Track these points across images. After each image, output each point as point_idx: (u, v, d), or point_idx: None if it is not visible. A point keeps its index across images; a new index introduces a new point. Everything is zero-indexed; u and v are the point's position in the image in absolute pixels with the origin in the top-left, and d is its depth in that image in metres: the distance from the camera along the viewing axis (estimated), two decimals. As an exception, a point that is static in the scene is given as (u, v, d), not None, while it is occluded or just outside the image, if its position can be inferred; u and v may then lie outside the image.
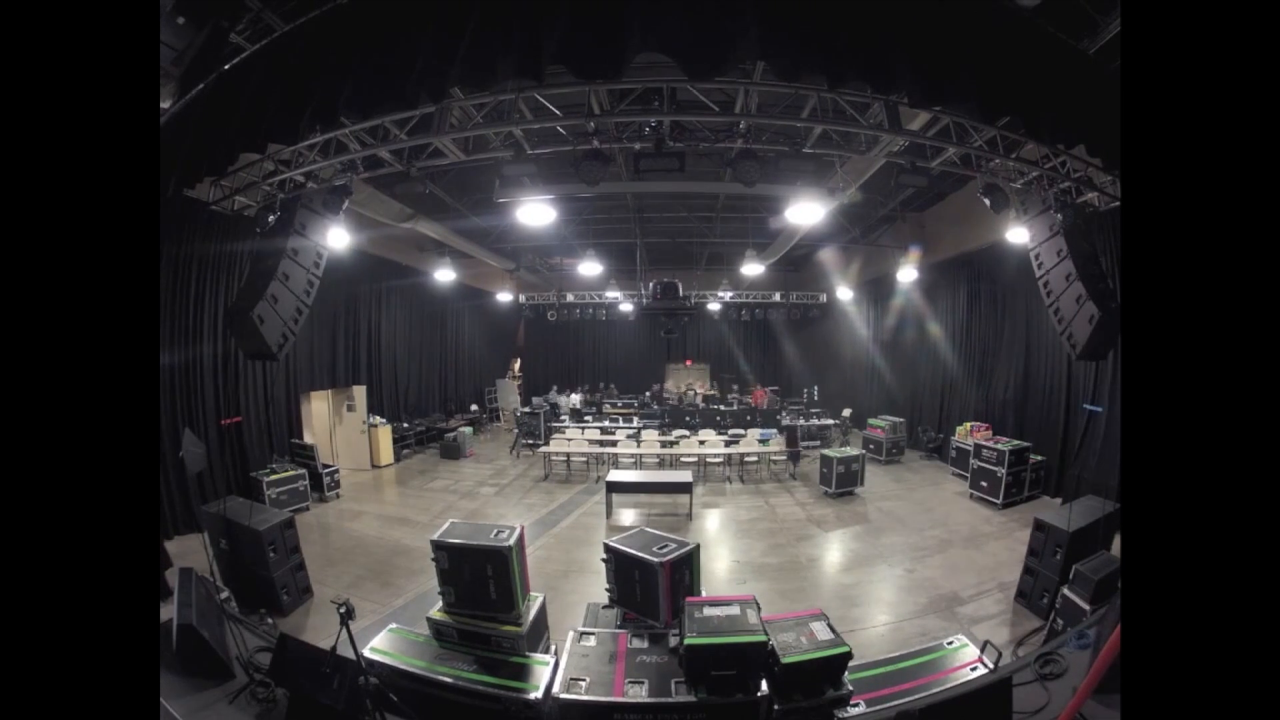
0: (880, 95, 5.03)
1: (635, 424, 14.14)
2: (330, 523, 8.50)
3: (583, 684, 3.23)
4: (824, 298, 17.72)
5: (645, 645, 3.54)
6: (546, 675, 3.48)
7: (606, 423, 14.48)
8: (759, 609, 3.40)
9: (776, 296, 17.88)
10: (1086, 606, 4.63)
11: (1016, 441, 9.25)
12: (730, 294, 17.68)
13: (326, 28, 3.68)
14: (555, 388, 17.67)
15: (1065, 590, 4.87)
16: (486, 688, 3.45)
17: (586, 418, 15.21)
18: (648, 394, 17.66)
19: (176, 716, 3.27)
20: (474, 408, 16.65)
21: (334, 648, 3.31)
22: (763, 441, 11.58)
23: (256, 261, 6.38)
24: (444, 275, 14.15)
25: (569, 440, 12.67)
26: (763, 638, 3.19)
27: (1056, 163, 6.12)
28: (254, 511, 5.75)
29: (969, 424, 10.80)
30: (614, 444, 12.23)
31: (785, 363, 19.70)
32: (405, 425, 13.14)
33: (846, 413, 15.01)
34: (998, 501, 8.76)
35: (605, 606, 4.36)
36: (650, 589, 3.96)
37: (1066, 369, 8.93)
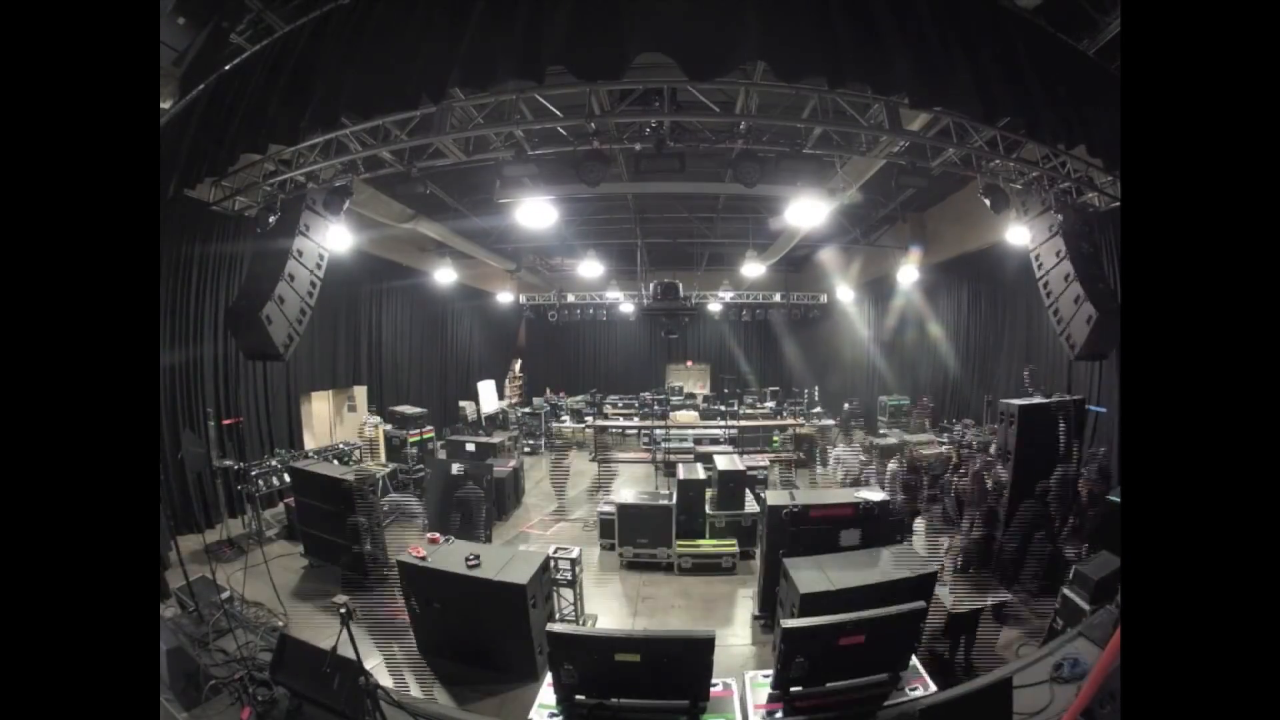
0: (880, 95, 5.03)
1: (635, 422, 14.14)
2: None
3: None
4: (824, 298, 17.68)
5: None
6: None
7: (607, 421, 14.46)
8: None
9: (777, 297, 17.84)
10: (1086, 606, 4.62)
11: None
12: (731, 294, 17.65)
13: (327, 29, 3.68)
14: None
15: (1065, 590, 4.86)
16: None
17: (587, 417, 15.21)
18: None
19: (176, 715, 3.27)
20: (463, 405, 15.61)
21: (334, 648, 3.31)
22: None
23: (259, 262, 6.39)
24: (444, 276, 14.14)
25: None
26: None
27: (1056, 163, 6.12)
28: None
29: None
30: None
31: (785, 363, 19.68)
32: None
33: (847, 406, 14.78)
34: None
35: None
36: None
37: (1068, 370, 8.92)
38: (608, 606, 6.08)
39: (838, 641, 3.12)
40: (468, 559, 4.80)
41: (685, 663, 3.13)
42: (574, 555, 5.53)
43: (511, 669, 4.73)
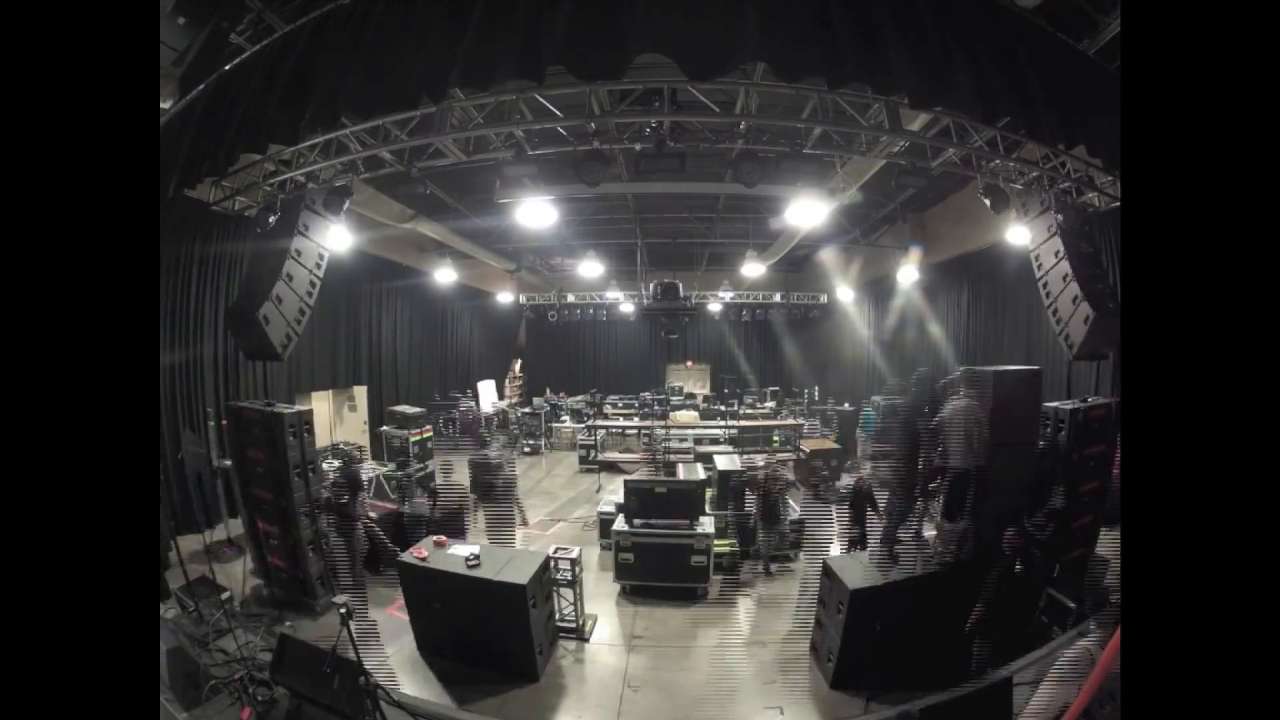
0: (880, 96, 5.03)
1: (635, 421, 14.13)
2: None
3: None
4: (824, 298, 17.68)
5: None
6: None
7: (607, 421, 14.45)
8: None
9: (777, 297, 17.84)
10: (1071, 605, 4.63)
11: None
12: (731, 294, 17.65)
13: (327, 28, 3.68)
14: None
15: (1050, 590, 4.86)
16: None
17: (585, 418, 15.20)
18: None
19: (176, 715, 3.27)
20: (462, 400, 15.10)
21: (334, 648, 3.32)
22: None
23: (258, 262, 6.39)
24: (444, 276, 14.14)
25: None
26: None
27: (1057, 163, 6.12)
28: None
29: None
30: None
31: (785, 363, 19.68)
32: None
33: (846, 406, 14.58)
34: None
35: None
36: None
37: (1068, 371, 8.91)
38: (608, 607, 6.08)
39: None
40: (468, 559, 4.81)
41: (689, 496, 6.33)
42: (574, 555, 5.51)
43: (511, 669, 4.74)
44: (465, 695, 4.52)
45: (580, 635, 5.43)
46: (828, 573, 4.79)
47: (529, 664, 4.70)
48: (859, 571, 4.64)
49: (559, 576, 5.44)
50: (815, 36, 3.11)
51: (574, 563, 5.49)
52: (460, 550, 5.03)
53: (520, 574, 4.69)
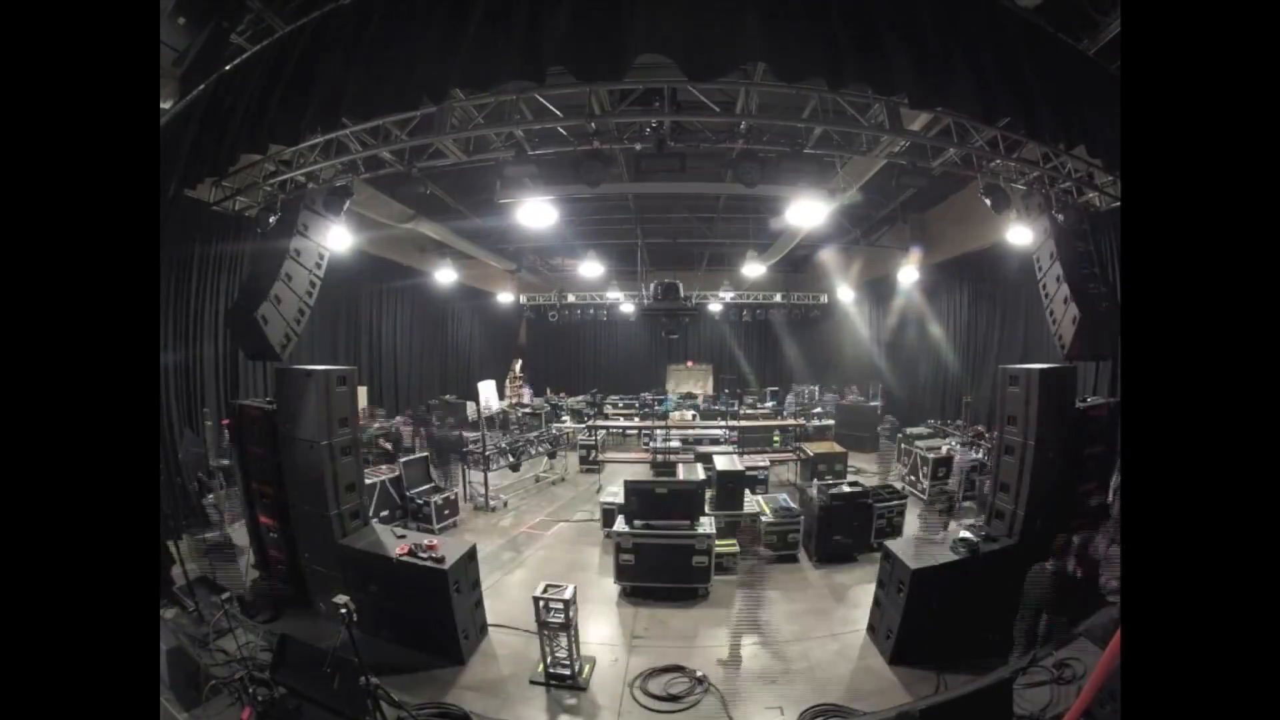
0: (881, 96, 5.03)
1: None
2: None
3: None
4: (825, 298, 17.69)
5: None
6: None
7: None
8: None
9: (777, 297, 17.86)
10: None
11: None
12: (731, 294, 17.65)
13: (327, 29, 3.68)
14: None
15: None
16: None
17: (585, 418, 15.19)
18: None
19: (176, 715, 3.27)
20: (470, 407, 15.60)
21: (334, 648, 3.31)
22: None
23: (258, 262, 6.40)
24: (445, 276, 14.15)
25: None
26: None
27: (1057, 162, 6.12)
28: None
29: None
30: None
31: (786, 363, 19.68)
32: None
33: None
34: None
35: None
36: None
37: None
38: (609, 605, 6.09)
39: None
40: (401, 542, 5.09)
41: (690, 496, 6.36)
42: (567, 596, 4.54)
43: (436, 650, 4.92)
44: (382, 672, 4.43)
45: (576, 684, 4.56)
46: (888, 556, 5.03)
47: (454, 647, 4.88)
48: (917, 554, 4.93)
49: (551, 619, 4.55)
50: (815, 36, 3.11)
51: (568, 604, 4.53)
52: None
53: (446, 560, 4.88)
